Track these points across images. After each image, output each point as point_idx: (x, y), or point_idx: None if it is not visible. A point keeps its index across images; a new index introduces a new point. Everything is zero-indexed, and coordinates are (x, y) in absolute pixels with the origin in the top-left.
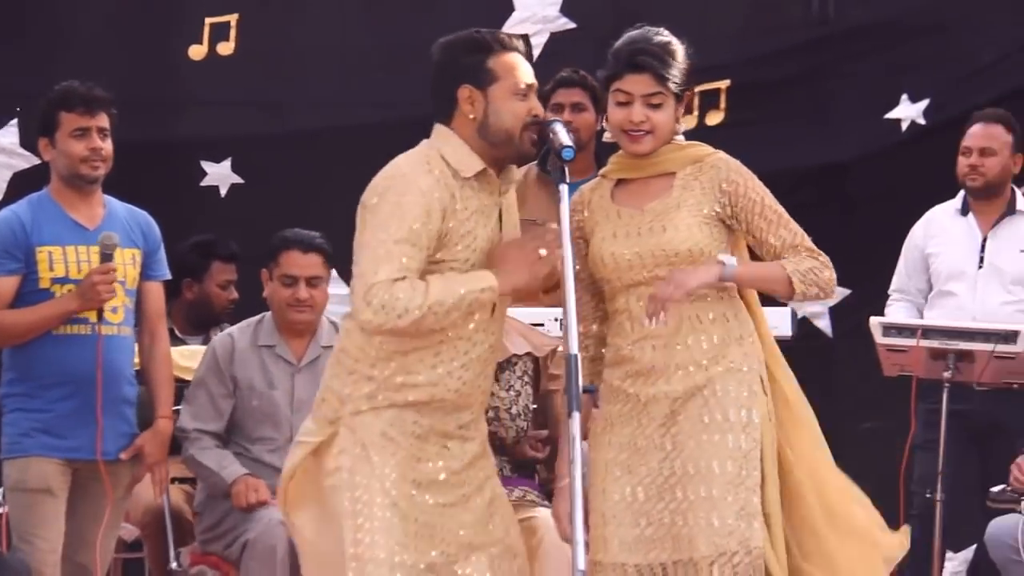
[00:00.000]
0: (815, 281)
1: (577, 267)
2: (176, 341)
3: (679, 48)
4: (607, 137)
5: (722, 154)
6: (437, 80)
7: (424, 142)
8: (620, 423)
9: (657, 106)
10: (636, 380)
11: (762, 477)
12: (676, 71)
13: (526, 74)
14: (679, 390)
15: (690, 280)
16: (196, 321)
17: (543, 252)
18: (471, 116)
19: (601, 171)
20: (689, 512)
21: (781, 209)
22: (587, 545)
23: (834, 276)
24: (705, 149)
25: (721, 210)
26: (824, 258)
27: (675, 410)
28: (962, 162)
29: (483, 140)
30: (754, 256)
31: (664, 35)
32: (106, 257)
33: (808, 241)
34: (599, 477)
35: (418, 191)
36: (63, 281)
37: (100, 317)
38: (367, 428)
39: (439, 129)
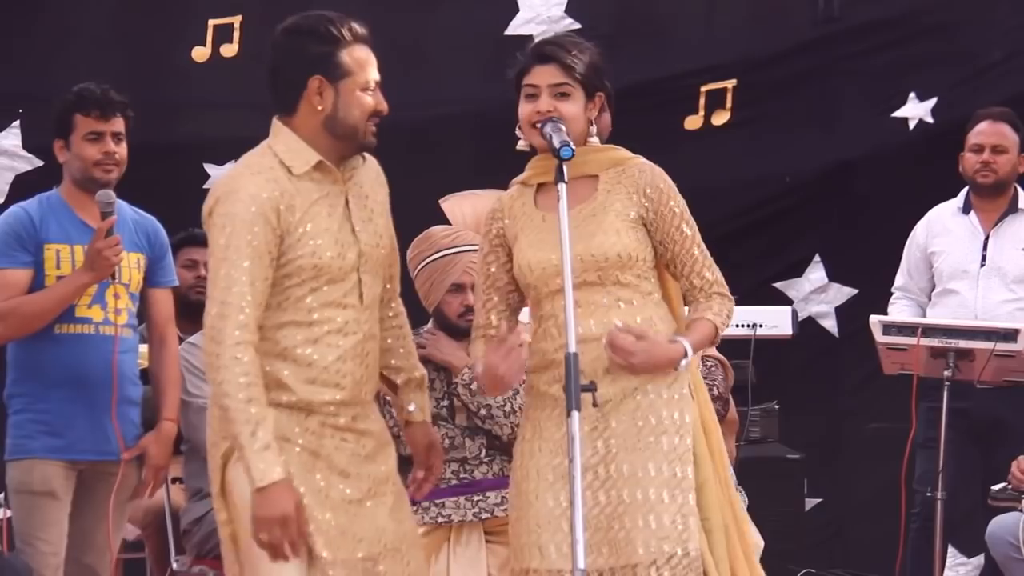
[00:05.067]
0: (728, 319)
1: (492, 269)
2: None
3: (590, 48)
4: (521, 145)
5: (644, 160)
6: (281, 67)
7: (263, 143)
8: (550, 428)
9: (565, 96)
10: (563, 385)
11: (703, 481)
12: (584, 65)
13: (375, 69)
14: (608, 394)
15: (655, 362)
16: (177, 311)
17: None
18: (319, 108)
19: (518, 178)
20: (626, 515)
21: (693, 228)
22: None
23: (731, 304)
24: (626, 153)
25: (644, 214)
26: (727, 292)
27: (606, 413)
28: (972, 159)
29: (328, 133)
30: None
31: (576, 37)
32: (106, 215)
33: (713, 268)
34: (531, 484)
35: (248, 198)
36: None
37: (114, 277)
38: None
39: (274, 125)
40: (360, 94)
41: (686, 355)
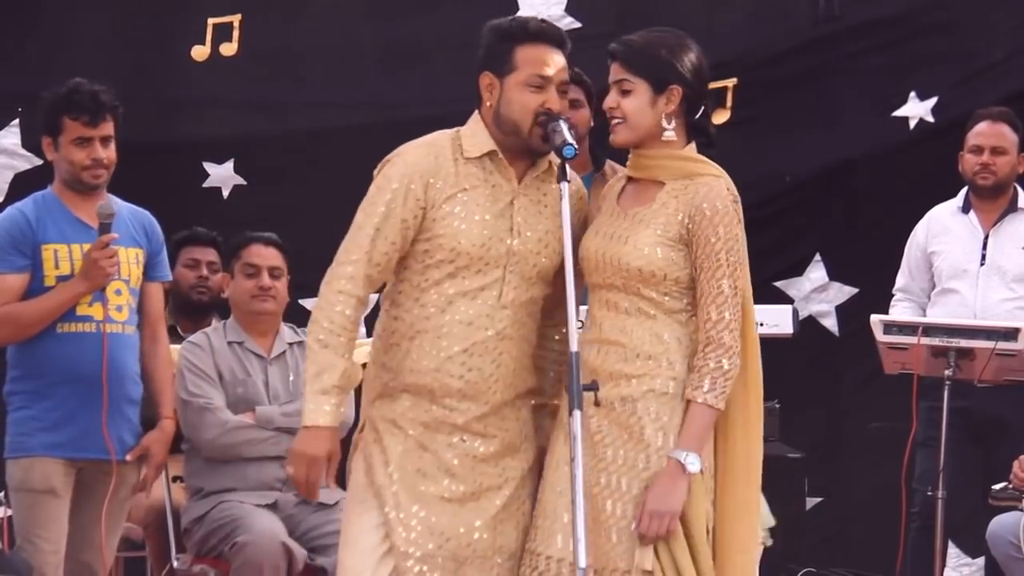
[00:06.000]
0: (725, 384)
1: None
2: (177, 339)
3: (668, 41)
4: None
5: (713, 181)
6: (476, 64)
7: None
8: (566, 416)
9: (626, 92)
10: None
11: (687, 500)
12: (646, 57)
13: (547, 66)
14: (607, 397)
15: (671, 508)
16: (179, 311)
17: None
18: (488, 103)
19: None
20: (597, 522)
21: (730, 260)
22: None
23: (732, 348)
24: (702, 168)
25: (685, 235)
26: (729, 340)
27: (600, 417)
28: (971, 160)
29: (497, 127)
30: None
31: (661, 30)
32: (104, 228)
33: (730, 308)
34: (547, 468)
35: (403, 163)
36: (68, 279)
37: (105, 299)
38: (380, 415)
39: (473, 114)
40: (522, 90)
41: (682, 464)
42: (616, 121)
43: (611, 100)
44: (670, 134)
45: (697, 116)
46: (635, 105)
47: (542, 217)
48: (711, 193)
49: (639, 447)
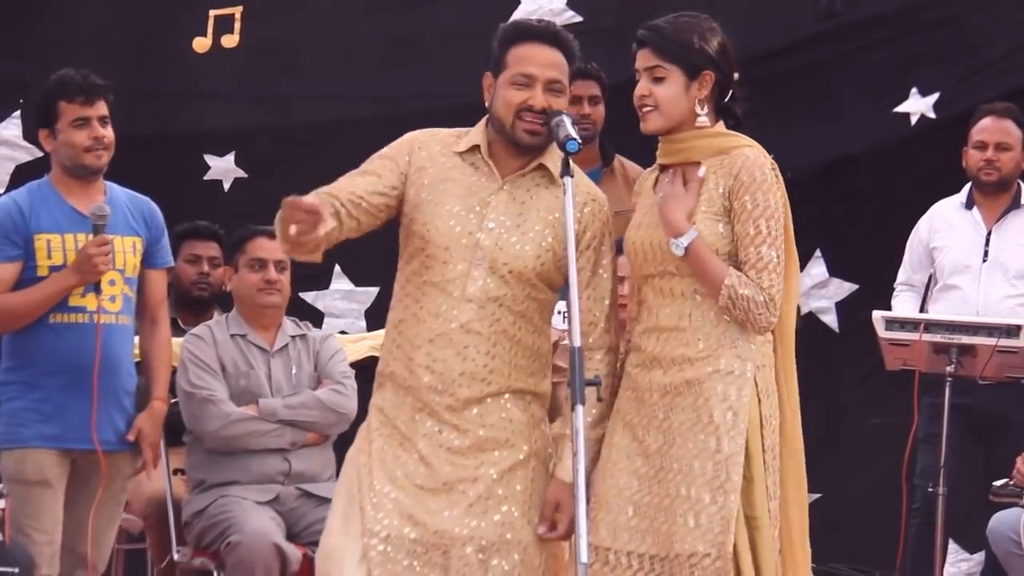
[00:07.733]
0: (744, 308)
1: None
2: (179, 332)
3: (699, 27)
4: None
5: (749, 151)
6: None
7: None
8: (626, 409)
9: (659, 80)
10: (641, 369)
11: (751, 479)
12: (680, 45)
13: (532, 64)
14: (672, 383)
15: (669, 213)
16: (180, 305)
17: None
18: (488, 104)
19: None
20: (670, 509)
21: (771, 228)
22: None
23: (769, 317)
24: (734, 141)
25: (727, 206)
26: (767, 297)
27: (668, 404)
28: (976, 156)
29: (492, 127)
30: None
31: (688, 15)
32: (98, 228)
33: (770, 275)
34: (604, 460)
35: (403, 138)
36: (61, 269)
37: (98, 290)
38: (373, 403)
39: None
40: (508, 87)
41: (683, 237)
42: (647, 109)
43: (643, 88)
44: (704, 119)
45: (726, 99)
46: (669, 92)
47: (523, 218)
48: (748, 162)
49: (709, 429)
